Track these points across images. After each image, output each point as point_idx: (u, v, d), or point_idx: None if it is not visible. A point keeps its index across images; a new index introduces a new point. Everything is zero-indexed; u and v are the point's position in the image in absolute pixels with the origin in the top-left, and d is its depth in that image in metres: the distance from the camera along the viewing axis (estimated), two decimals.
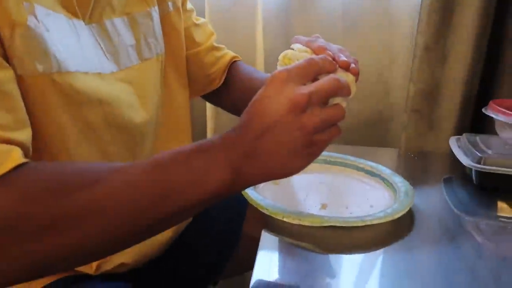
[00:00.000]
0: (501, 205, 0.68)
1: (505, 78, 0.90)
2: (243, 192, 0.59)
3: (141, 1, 0.57)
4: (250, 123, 0.39)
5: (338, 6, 0.97)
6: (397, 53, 1.00)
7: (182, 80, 0.67)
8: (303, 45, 0.51)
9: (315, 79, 0.41)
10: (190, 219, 0.69)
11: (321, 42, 0.50)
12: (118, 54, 0.53)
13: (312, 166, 0.41)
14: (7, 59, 0.40)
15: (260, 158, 0.38)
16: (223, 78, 0.72)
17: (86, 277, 0.55)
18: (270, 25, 0.98)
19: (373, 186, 0.68)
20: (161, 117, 0.62)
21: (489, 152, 0.70)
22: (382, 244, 0.54)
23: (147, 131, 0.58)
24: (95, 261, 0.54)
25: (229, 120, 0.99)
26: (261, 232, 0.55)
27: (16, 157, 0.36)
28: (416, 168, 0.83)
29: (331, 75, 0.41)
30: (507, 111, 0.71)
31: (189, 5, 0.70)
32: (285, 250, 0.54)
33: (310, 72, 0.41)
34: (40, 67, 0.42)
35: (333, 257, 0.52)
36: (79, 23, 0.48)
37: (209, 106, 1.02)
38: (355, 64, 0.47)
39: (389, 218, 0.54)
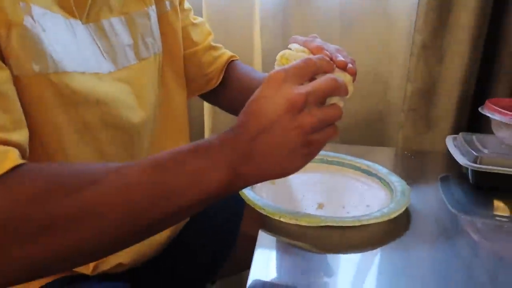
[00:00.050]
0: (498, 204, 0.68)
1: (501, 78, 0.90)
2: (240, 192, 0.59)
3: (139, 1, 0.57)
4: (247, 124, 0.39)
5: (336, 5, 0.97)
6: (395, 52, 1.00)
7: (180, 79, 0.67)
8: (301, 45, 0.51)
9: (312, 79, 0.41)
10: (188, 219, 0.69)
11: (318, 42, 0.50)
12: (116, 54, 0.53)
13: (309, 165, 0.41)
14: (3, 59, 0.40)
15: (257, 158, 0.38)
16: (221, 77, 0.72)
17: (83, 277, 0.55)
18: (267, 25, 0.98)
19: (369, 186, 0.68)
20: (159, 117, 0.62)
21: (485, 151, 0.70)
22: (379, 244, 0.54)
23: (145, 131, 0.58)
24: (93, 261, 0.54)
25: (227, 119, 0.98)
26: (258, 231, 0.55)
27: (13, 158, 0.36)
28: (413, 167, 0.83)
29: (328, 75, 0.41)
30: (503, 111, 0.71)
31: (186, 4, 0.69)
32: (282, 250, 0.54)
33: (307, 72, 0.41)
34: (36, 67, 0.42)
35: (330, 257, 0.52)
36: (76, 23, 0.48)
37: (207, 105, 1.02)
38: (352, 64, 0.47)
39: (386, 218, 0.55)
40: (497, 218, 0.65)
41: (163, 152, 0.39)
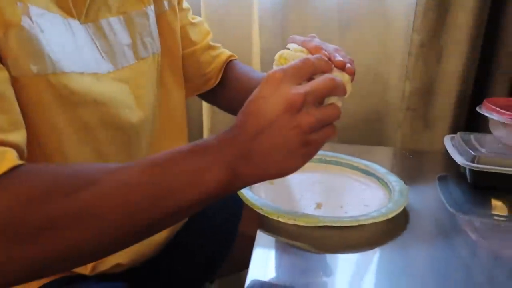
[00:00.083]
0: (495, 203, 0.69)
1: (499, 77, 0.91)
2: (238, 192, 0.59)
3: (137, 0, 0.57)
4: (246, 124, 0.39)
5: (334, 5, 0.97)
6: (393, 52, 1.00)
7: (178, 79, 0.67)
8: (299, 45, 0.51)
9: (310, 79, 0.41)
10: (186, 219, 0.69)
11: (317, 42, 0.50)
12: (114, 54, 0.53)
13: (307, 165, 0.41)
14: (1, 60, 0.40)
15: (256, 158, 0.39)
16: (219, 77, 0.72)
17: (82, 277, 0.55)
18: (266, 24, 0.98)
19: (368, 185, 0.68)
20: (157, 117, 0.62)
21: (483, 150, 0.70)
22: (377, 244, 0.54)
23: (143, 131, 0.58)
24: (93, 262, 0.54)
25: (226, 119, 0.98)
26: (256, 231, 0.55)
27: (10, 159, 0.36)
28: (411, 166, 0.83)
29: (327, 75, 0.41)
30: (501, 110, 0.71)
31: (185, 4, 0.69)
32: (281, 250, 0.54)
33: (306, 72, 0.41)
34: (34, 68, 0.42)
35: (328, 257, 0.52)
36: (75, 23, 0.48)
37: (205, 105, 1.02)
38: (350, 64, 0.47)
39: (384, 218, 0.55)
40: (495, 217, 0.65)
41: (162, 152, 0.39)
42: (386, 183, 0.66)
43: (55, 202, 0.35)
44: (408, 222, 0.59)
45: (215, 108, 0.92)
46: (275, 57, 0.48)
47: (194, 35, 0.69)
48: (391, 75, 1.02)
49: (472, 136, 0.77)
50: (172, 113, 0.66)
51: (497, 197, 0.69)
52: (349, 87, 0.45)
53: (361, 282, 0.48)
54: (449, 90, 0.91)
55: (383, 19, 0.98)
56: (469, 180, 0.71)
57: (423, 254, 0.53)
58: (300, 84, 0.40)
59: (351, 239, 0.54)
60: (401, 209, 0.58)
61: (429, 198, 0.69)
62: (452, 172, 0.76)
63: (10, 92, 0.40)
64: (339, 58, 0.46)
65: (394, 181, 0.66)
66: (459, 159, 0.70)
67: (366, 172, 0.71)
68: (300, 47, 0.50)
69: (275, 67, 0.46)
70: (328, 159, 0.74)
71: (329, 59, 0.46)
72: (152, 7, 0.60)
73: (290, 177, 0.41)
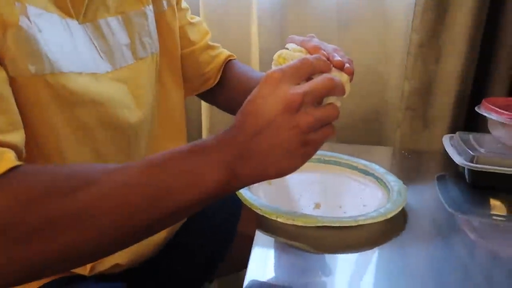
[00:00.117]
0: (494, 203, 0.69)
1: (498, 77, 0.91)
2: (237, 192, 0.59)
3: (136, 0, 0.57)
4: (244, 124, 0.39)
5: (333, 5, 0.97)
6: (392, 51, 1.00)
7: (177, 79, 0.67)
8: (298, 45, 0.51)
9: (309, 78, 0.41)
10: (185, 219, 0.69)
11: (315, 41, 0.50)
12: (113, 54, 0.53)
13: (306, 165, 0.41)
14: None
15: (254, 159, 0.38)
16: (218, 77, 0.72)
17: (81, 278, 0.55)
18: (265, 24, 0.98)
19: (366, 185, 0.68)
20: (156, 117, 0.62)
21: (482, 150, 0.70)
22: (376, 244, 0.54)
23: (142, 131, 0.58)
24: (92, 262, 0.54)
25: (225, 120, 0.98)
26: (255, 231, 0.55)
27: (9, 159, 0.36)
28: (410, 166, 0.83)
29: (325, 75, 0.41)
30: (500, 110, 0.71)
31: (183, 4, 0.69)
32: (279, 250, 0.54)
33: (304, 72, 0.41)
34: (32, 68, 0.42)
35: (327, 257, 0.52)
36: (73, 23, 0.48)
37: (204, 105, 1.02)
38: (349, 64, 0.47)
39: (382, 218, 0.55)
40: (494, 217, 0.65)
41: (161, 152, 0.39)
42: (385, 183, 0.66)
43: (53, 203, 0.34)
44: (406, 222, 0.59)
45: (214, 108, 0.93)
46: (274, 57, 0.48)
47: (193, 35, 0.69)
48: (390, 75, 1.02)
49: (471, 136, 0.77)
50: (171, 113, 0.66)
51: (496, 197, 0.69)
52: (348, 87, 0.45)
53: (360, 282, 0.48)
54: (448, 90, 0.91)
55: (382, 19, 0.98)
56: (467, 180, 0.71)
57: (422, 254, 0.53)
58: (298, 84, 0.40)
59: (349, 239, 0.54)
60: (400, 209, 0.58)
61: (428, 198, 0.69)
62: (451, 172, 0.76)
63: (8, 92, 0.40)
64: (337, 58, 0.46)
65: (393, 181, 0.66)
66: (457, 159, 0.70)
67: (365, 172, 0.71)
68: (299, 47, 0.50)
69: (274, 67, 0.46)
70: (327, 159, 0.74)
71: (328, 59, 0.46)
72: (150, 7, 0.60)
73: (288, 177, 0.41)
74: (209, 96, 0.76)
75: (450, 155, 0.73)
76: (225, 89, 0.73)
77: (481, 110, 0.75)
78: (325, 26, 0.98)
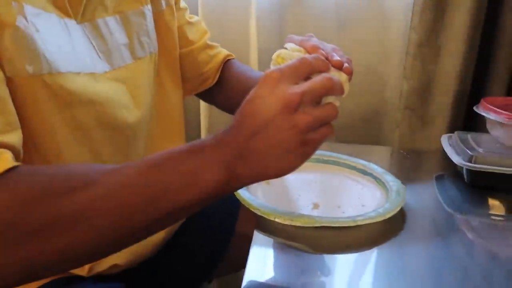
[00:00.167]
0: (493, 203, 0.69)
1: (497, 77, 0.91)
2: (235, 193, 0.59)
3: (134, 0, 0.57)
4: (243, 124, 0.38)
5: (332, 5, 0.97)
6: (391, 51, 1.00)
7: (176, 79, 0.67)
8: (297, 44, 0.51)
9: (308, 78, 0.41)
10: (184, 219, 0.69)
11: (314, 41, 0.50)
12: (111, 54, 0.53)
13: (304, 165, 0.41)
14: None
15: (253, 158, 0.38)
16: (217, 76, 0.72)
17: (79, 278, 0.55)
18: (264, 23, 0.98)
19: (365, 185, 0.68)
20: (155, 117, 0.62)
21: (480, 150, 0.70)
22: (375, 244, 0.54)
23: (140, 131, 0.57)
24: (90, 263, 0.53)
25: (224, 120, 0.98)
26: (253, 232, 0.55)
27: (6, 160, 0.36)
28: (409, 166, 0.83)
29: (324, 74, 0.41)
30: (498, 110, 0.71)
31: (182, 3, 0.69)
32: (278, 250, 0.54)
33: (303, 71, 0.41)
34: (30, 69, 0.42)
35: (325, 257, 0.52)
36: (71, 23, 0.47)
37: (203, 105, 1.02)
38: (348, 64, 0.47)
39: (381, 218, 0.55)
40: (492, 217, 0.65)
41: (159, 152, 0.39)
42: (383, 183, 0.66)
43: (51, 204, 0.34)
44: (405, 222, 0.59)
45: (213, 108, 0.92)
46: (272, 57, 0.48)
47: (191, 34, 0.69)
48: (389, 75, 1.02)
49: (469, 136, 0.77)
50: (170, 113, 0.66)
51: (495, 197, 0.69)
52: (346, 87, 0.45)
53: (359, 282, 0.48)
54: (446, 90, 0.91)
55: (381, 19, 0.98)
56: (466, 180, 0.71)
57: (420, 254, 0.53)
58: (297, 83, 0.40)
59: (348, 239, 0.54)
60: (398, 209, 0.58)
61: (427, 198, 0.69)
62: (449, 171, 0.76)
63: (5, 93, 0.40)
64: (336, 57, 0.46)
65: (392, 181, 0.66)
66: (456, 159, 0.70)
67: (364, 172, 0.71)
68: (297, 47, 0.50)
69: (272, 67, 0.46)
70: (325, 158, 0.74)
71: (327, 58, 0.46)
72: (149, 6, 0.60)
73: (287, 177, 0.40)
74: (208, 95, 0.76)
75: (448, 155, 0.73)
76: (224, 89, 0.73)
77: (480, 109, 0.75)
78: (324, 26, 0.98)
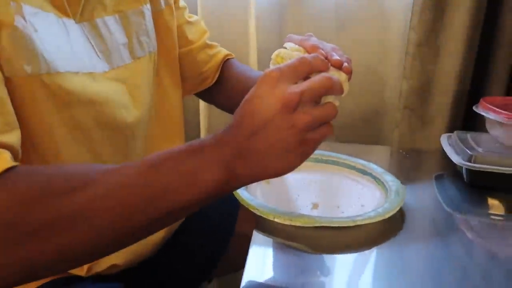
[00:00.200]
0: (492, 202, 0.69)
1: (496, 77, 0.91)
2: (234, 192, 0.58)
3: None
4: (242, 123, 0.38)
5: (331, 4, 0.97)
6: (390, 51, 1.00)
7: (175, 78, 0.67)
8: (296, 44, 0.50)
9: (307, 78, 0.41)
10: (183, 219, 0.69)
11: (314, 40, 0.50)
12: (110, 53, 0.53)
13: (304, 165, 0.41)
14: None
15: (252, 158, 0.38)
16: (216, 76, 0.72)
17: (77, 278, 0.55)
18: (263, 22, 0.98)
19: (364, 185, 0.68)
20: (154, 117, 0.62)
21: (480, 150, 0.70)
22: (374, 243, 0.54)
23: (139, 131, 0.57)
24: (90, 262, 0.53)
25: (223, 120, 0.98)
26: (252, 232, 0.55)
27: (5, 160, 0.36)
28: (408, 166, 0.83)
29: (323, 74, 0.41)
30: (498, 109, 0.71)
31: (181, 3, 0.69)
32: (277, 250, 0.54)
33: (302, 71, 0.41)
34: (28, 69, 0.41)
35: (325, 257, 0.52)
36: (70, 22, 0.47)
37: (202, 105, 1.02)
38: (348, 63, 0.47)
39: (380, 218, 0.55)
40: (492, 216, 0.65)
41: (158, 152, 0.39)
42: (382, 182, 0.66)
43: (50, 204, 0.34)
44: (404, 221, 0.59)
45: (213, 108, 0.92)
46: (272, 56, 0.48)
47: (190, 34, 0.69)
48: (388, 75, 1.02)
49: (468, 135, 0.77)
50: (169, 113, 0.66)
51: (494, 196, 0.69)
52: (346, 86, 0.45)
53: (358, 282, 0.48)
54: (446, 89, 0.91)
55: (381, 18, 0.98)
56: (465, 179, 0.71)
57: (420, 253, 0.53)
58: (296, 83, 0.40)
59: (347, 239, 0.54)
60: (398, 208, 0.58)
61: (426, 198, 0.69)
62: (449, 171, 0.76)
63: (3, 93, 0.39)
64: (336, 57, 0.46)
65: (391, 180, 0.66)
66: (455, 159, 0.70)
67: (363, 172, 0.70)
68: (297, 46, 0.50)
69: (271, 66, 0.46)
70: (324, 158, 0.73)
71: (326, 58, 0.46)
72: (148, 5, 0.60)
73: (286, 176, 0.40)
74: (208, 95, 0.75)
75: (448, 154, 0.73)
76: (223, 88, 0.72)
77: (479, 109, 0.75)
78: (323, 26, 0.98)
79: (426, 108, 0.94)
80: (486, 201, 0.69)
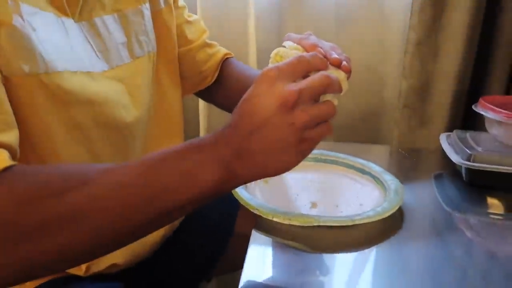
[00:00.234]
0: (491, 201, 0.69)
1: (495, 76, 0.91)
2: (233, 192, 0.59)
3: None
4: (240, 122, 0.38)
5: (331, 3, 0.97)
6: (390, 50, 1.00)
7: (174, 78, 0.67)
8: (295, 43, 0.50)
9: (306, 76, 0.41)
10: (182, 218, 0.69)
11: (313, 39, 0.50)
12: (109, 53, 0.53)
13: (302, 164, 0.41)
14: None
15: (251, 157, 0.38)
16: (216, 75, 0.72)
17: (76, 278, 0.55)
18: (262, 21, 0.98)
19: (363, 184, 0.68)
20: (153, 116, 0.61)
21: (479, 149, 0.70)
22: (373, 243, 0.54)
23: (138, 131, 0.57)
24: (89, 261, 0.53)
25: (223, 119, 0.98)
26: (251, 231, 0.54)
27: (3, 159, 0.36)
28: (407, 165, 0.83)
29: (322, 72, 0.41)
30: (497, 108, 0.71)
31: (181, 2, 0.69)
32: (276, 249, 0.54)
33: (300, 69, 0.40)
34: (26, 68, 0.41)
35: (324, 256, 0.52)
36: (68, 21, 0.47)
37: (202, 104, 1.01)
38: (347, 62, 0.47)
39: (379, 217, 0.55)
40: (491, 215, 0.65)
41: (157, 152, 0.39)
42: (381, 182, 0.66)
43: (48, 203, 0.34)
44: (404, 221, 0.59)
45: (212, 108, 0.92)
46: (271, 55, 0.48)
47: (190, 33, 0.69)
48: (387, 74, 1.02)
49: (468, 134, 0.77)
50: (169, 112, 0.66)
51: (493, 196, 0.69)
52: (345, 85, 0.45)
53: (358, 281, 0.48)
54: (445, 89, 0.91)
55: (380, 18, 0.98)
56: (465, 179, 0.71)
57: (419, 253, 0.53)
58: (295, 81, 0.40)
59: (346, 238, 0.54)
60: (397, 208, 0.57)
61: (425, 197, 0.69)
62: (448, 170, 0.76)
63: (1, 92, 0.39)
64: (335, 55, 0.46)
65: (390, 180, 0.65)
66: (455, 158, 0.70)
67: (362, 171, 0.70)
68: (295, 45, 0.50)
69: (270, 65, 0.46)
70: (323, 157, 0.73)
71: (325, 56, 0.46)
72: (147, 5, 0.60)
73: (285, 176, 0.40)
74: (207, 94, 0.75)
75: (447, 153, 0.73)
76: (222, 87, 0.72)
77: (478, 108, 0.75)
78: (322, 25, 0.98)
79: (425, 107, 0.94)
80: (486, 200, 0.69)
